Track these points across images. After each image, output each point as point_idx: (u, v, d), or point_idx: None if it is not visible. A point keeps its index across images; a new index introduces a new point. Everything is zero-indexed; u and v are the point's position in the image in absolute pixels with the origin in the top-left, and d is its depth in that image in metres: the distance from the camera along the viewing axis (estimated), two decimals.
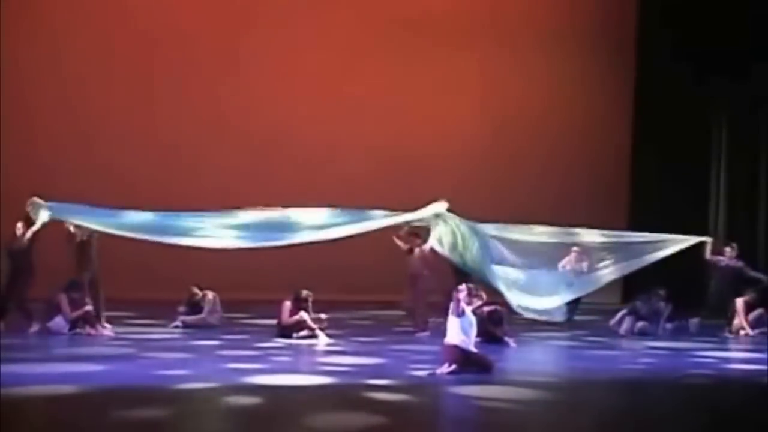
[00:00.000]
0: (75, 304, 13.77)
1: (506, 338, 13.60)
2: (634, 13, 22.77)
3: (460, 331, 10.67)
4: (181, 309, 15.17)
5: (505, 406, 9.22)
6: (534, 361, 12.86)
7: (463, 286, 11.03)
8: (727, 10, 20.09)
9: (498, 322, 13.56)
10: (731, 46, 19.93)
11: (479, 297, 13.18)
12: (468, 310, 10.87)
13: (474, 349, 10.84)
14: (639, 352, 13.58)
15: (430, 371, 10.49)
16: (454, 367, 10.45)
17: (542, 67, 22.48)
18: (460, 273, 14.11)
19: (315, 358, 12.13)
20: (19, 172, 18.79)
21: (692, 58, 20.52)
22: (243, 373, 10.30)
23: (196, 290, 15.26)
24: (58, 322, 13.71)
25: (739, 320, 15.77)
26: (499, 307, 13.77)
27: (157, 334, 14.06)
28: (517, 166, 22.07)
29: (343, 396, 9.35)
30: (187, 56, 20.72)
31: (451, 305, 10.75)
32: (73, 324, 13.72)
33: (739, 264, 16.08)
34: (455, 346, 10.65)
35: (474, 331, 10.88)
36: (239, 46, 20.94)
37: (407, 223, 14.50)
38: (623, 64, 22.74)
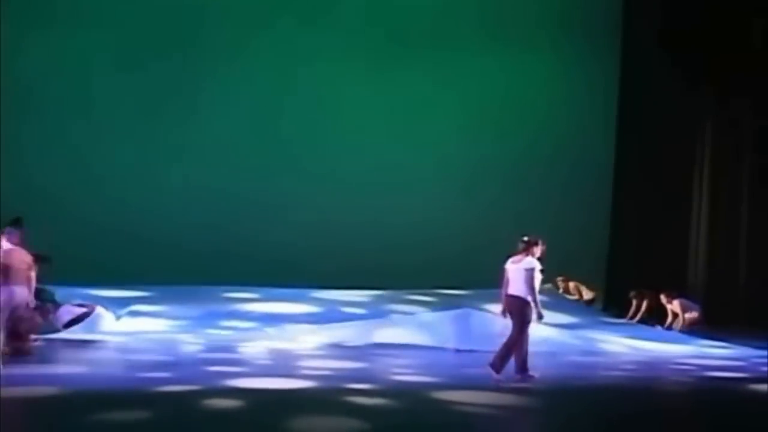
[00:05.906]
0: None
1: None
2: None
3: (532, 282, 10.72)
4: None
5: (486, 411, 9.25)
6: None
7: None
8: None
9: None
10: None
11: None
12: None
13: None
14: (619, 357, 13.68)
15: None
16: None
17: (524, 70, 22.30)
18: None
19: (297, 362, 12.14)
20: None
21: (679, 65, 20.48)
22: (224, 376, 10.32)
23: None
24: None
25: None
26: None
27: (140, 336, 14.00)
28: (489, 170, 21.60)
29: (324, 400, 9.39)
30: None
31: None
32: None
33: None
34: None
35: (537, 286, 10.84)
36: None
37: None
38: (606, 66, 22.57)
